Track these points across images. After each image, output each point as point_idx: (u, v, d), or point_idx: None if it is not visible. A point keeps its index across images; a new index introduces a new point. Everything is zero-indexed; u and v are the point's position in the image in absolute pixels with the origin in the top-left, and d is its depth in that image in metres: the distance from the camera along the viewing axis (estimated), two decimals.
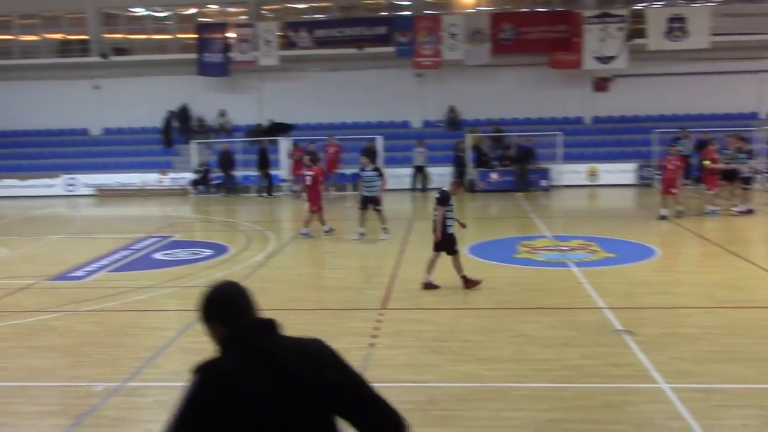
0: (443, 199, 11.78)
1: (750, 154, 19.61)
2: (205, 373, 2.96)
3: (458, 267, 11.84)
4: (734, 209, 18.99)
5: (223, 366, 3.00)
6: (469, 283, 11.74)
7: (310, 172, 17.62)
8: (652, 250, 14.83)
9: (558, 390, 7.44)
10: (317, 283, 12.80)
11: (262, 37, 29.53)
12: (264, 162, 26.95)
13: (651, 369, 7.88)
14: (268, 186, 26.96)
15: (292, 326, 10.94)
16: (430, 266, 11.89)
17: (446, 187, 12.26)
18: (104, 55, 31.14)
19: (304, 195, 17.75)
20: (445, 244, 11.85)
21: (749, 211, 19.02)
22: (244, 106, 30.82)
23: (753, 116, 29.23)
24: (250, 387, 2.90)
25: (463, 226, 12.55)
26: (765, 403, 6.99)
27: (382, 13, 31.47)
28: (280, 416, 2.90)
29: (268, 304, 11.65)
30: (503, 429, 6.57)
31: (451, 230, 11.85)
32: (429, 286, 11.80)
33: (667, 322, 9.79)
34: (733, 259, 13.95)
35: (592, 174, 27.66)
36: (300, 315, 10.56)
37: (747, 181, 19.34)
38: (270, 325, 3.09)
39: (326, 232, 17.47)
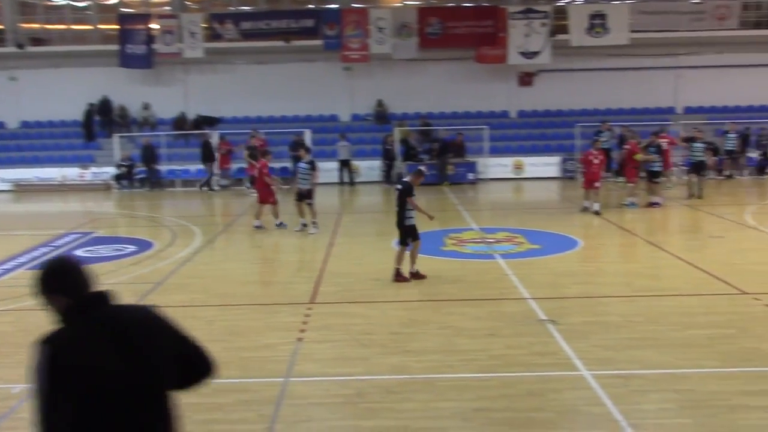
0: (408, 190, 11.85)
1: (659, 150, 20.04)
2: (51, 343, 3.15)
3: (399, 259, 11.94)
4: (653, 199, 19.44)
5: (68, 335, 3.20)
6: (400, 278, 11.81)
7: (258, 165, 17.76)
8: (575, 241, 15.20)
9: (484, 380, 7.56)
10: (245, 278, 12.65)
11: (186, 28, 28.94)
12: (208, 155, 26.47)
13: (573, 357, 8.08)
14: (208, 179, 26.52)
15: (219, 322, 10.81)
16: (402, 258, 11.96)
17: (407, 178, 12.34)
18: (20, 46, 29.99)
19: (250, 188, 17.84)
20: (405, 235, 11.91)
21: (655, 204, 19.38)
22: (168, 98, 30.15)
23: (670, 111, 30.28)
24: (95, 354, 3.15)
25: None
26: (681, 387, 7.26)
27: (310, 6, 31.32)
28: (122, 381, 3.18)
29: (193, 300, 11.50)
30: (431, 420, 6.63)
31: (412, 222, 11.91)
32: (416, 275, 11.92)
33: (589, 311, 10.06)
34: (651, 249, 14.43)
35: (518, 167, 28.18)
36: (227, 311, 10.43)
37: (656, 174, 19.74)
38: (106, 296, 3.33)
39: (277, 225, 17.40)
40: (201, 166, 27.10)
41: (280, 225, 17.30)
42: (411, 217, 11.88)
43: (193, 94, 30.32)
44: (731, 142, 26.16)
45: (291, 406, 7.00)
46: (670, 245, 14.69)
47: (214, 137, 27.48)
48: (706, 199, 20.59)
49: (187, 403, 7.08)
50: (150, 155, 27.12)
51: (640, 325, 9.29)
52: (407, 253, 11.98)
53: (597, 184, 18.77)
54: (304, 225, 16.85)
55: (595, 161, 18.76)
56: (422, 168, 12.59)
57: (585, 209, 18.80)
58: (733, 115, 29.20)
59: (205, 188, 26.49)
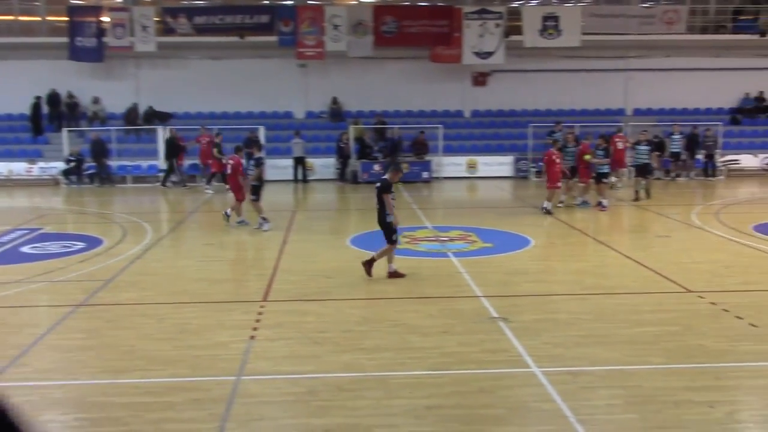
0: (387, 187, 11.89)
1: (606, 152, 20.25)
2: None
3: (389, 257, 12.02)
4: (603, 201, 19.67)
5: None
6: (369, 266, 11.90)
7: (231, 162, 17.60)
8: (527, 240, 15.40)
9: (436, 377, 7.61)
10: (197, 275, 12.51)
11: (138, 22, 28.44)
12: (173, 150, 26.06)
13: (524, 354, 8.19)
14: (166, 175, 26.14)
15: (170, 320, 10.65)
16: (384, 256, 12.01)
17: (386, 175, 12.34)
18: None
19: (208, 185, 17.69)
20: (389, 232, 11.96)
21: (601, 205, 19.36)
22: (119, 93, 29.61)
23: (620, 112, 30.85)
24: None
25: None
26: (628, 383, 7.41)
27: (265, 2, 31.06)
28: None
29: (144, 297, 11.33)
30: (383, 417, 6.66)
31: (391, 218, 11.94)
32: (394, 275, 11.93)
33: (540, 308, 10.21)
34: (601, 248, 14.71)
35: (472, 166, 28.41)
36: (178, 308, 10.31)
37: (604, 176, 19.93)
38: None
39: (238, 222, 17.31)
40: (153, 162, 26.70)
41: (242, 222, 17.25)
42: (391, 214, 11.94)
43: (144, 89, 29.84)
44: (676, 144, 26.73)
45: (242, 404, 6.96)
46: (619, 244, 14.98)
47: (161, 133, 27.08)
48: (653, 199, 21.01)
49: (138, 402, 7.03)
50: (100, 150, 26.61)
51: (589, 322, 9.46)
52: (381, 250, 12.05)
53: (559, 184, 18.95)
54: (264, 219, 16.91)
55: (558, 161, 18.89)
56: (403, 164, 12.73)
57: (578, 204, 19.09)
58: (680, 117, 29.91)
59: (169, 184, 26.06)
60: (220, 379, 7.58)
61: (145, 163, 27.31)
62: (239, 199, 17.29)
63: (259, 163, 17.00)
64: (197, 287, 11.62)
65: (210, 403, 6.96)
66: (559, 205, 19.41)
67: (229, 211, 17.30)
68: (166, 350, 8.50)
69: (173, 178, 26.19)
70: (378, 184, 12.13)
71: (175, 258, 14.26)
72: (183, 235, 16.98)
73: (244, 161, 17.68)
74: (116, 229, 17.43)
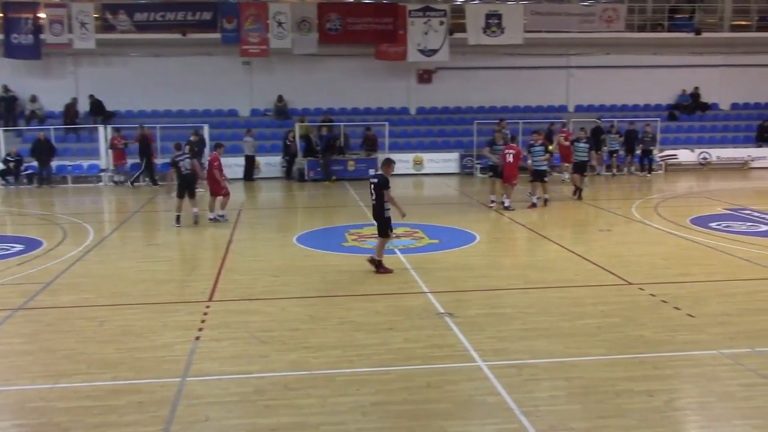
0: (385, 183, 11.93)
1: (546, 148, 20.47)
2: None
3: (380, 251, 12.08)
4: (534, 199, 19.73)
5: None
6: (382, 270, 12.00)
7: (209, 158, 18.00)
8: (473, 236, 15.55)
9: (382, 373, 7.64)
10: (140, 276, 12.30)
11: (77, 18, 27.80)
12: (144, 148, 25.55)
13: (470, 348, 8.28)
14: (139, 173, 25.70)
15: (111, 322, 10.45)
16: (383, 250, 12.15)
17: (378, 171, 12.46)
18: None
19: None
20: (385, 226, 12.02)
21: (532, 204, 19.46)
22: (58, 91, 28.89)
23: (563, 109, 31.38)
24: None
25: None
26: (570, 375, 7.55)
27: None
28: None
29: (85, 300, 11.07)
30: (330, 415, 6.66)
31: (388, 213, 12.00)
32: (381, 269, 12.00)
33: (486, 303, 10.33)
34: (544, 242, 14.94)
35: (418, 163, 28.55)
36: (121, 310, 10.13)
37: (544, 174, 20.09)
38: None
39: (210, 219, 17.44)
40: (94, 162, 26.16)
41: (215, 219, 17.47)
42: (389, 209, 11.97)
43: (84, 87, 29.14)
44: (614, 141, 27.27)
45: (188, 406, 6.87)
46: (562, 239, 15.24)
47: (108, 131, 26.53)
48: (595, 194, 21.43)
49: (78, 406, 6.89)
50: (43, 150, 25.81)
51: (532, 316, 9.61)
52: (378, 246, 12.15)
53: (515, 181, 18.97)
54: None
55: (510, 158, 18.84)
56: (390, 157, 12.92)
57: (502, 205, 18.93)
58: (620, 113, 30.57)
59: (137, 183, 25.60)
60: (164, 381, 7.48)
61: (86, 163, 26.73)
62: (215, 194, 17.53)
63: (174, 162, 17.07)
64: (140, 288, 11.42)
65: (154, 406, 6.86)
66: (491, 205, 19.52)
67: (212, 215, 17.48)
68: (108, 353, 8.34)
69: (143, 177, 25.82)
70: (375, 180, 12.15)
71: (117, 259, 13.97)
72: (126, 236, 16.67)
73: (221, 158, 18.01)
74: (56, 230, 17.01)
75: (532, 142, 19.99)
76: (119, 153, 26.17)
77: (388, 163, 12.42)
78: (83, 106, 28.94)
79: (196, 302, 10.50)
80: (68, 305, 10.45)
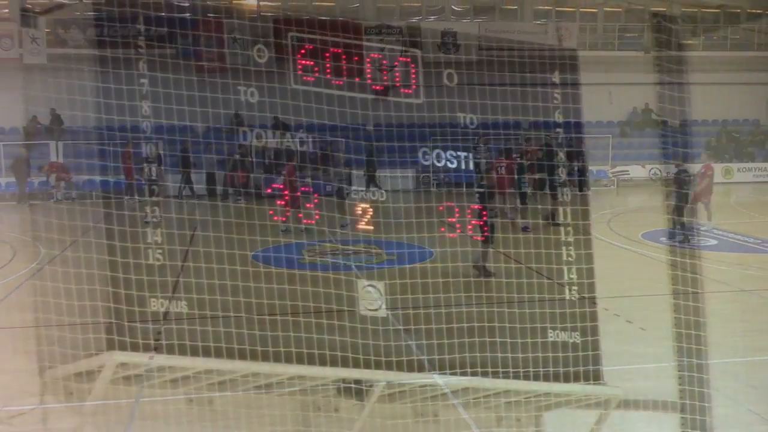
0: None
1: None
2: None
3: None
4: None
5: None
6: None
7: None
8: (430, 251, 15.57)
9: None
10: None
11: (27, 33, 27.37)
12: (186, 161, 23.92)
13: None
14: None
15: None
16: None
17: None
18: None
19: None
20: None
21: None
22: (6, 106, 28.26)
23: (517, 126, 31.77)
24: None
25: None
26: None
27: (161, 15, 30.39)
28: None
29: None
30: None
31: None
32: None
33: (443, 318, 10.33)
34: (501, 257, 15.05)
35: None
36: None
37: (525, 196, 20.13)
38: None
39: None
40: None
41: None
42: None
43: (34, 102, 28.56)
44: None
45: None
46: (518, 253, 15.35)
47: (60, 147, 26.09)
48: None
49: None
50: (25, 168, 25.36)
51: (489, 330, 9.64)
52: None
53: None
54: None
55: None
56: None
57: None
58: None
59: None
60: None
61: (36, 180, 26.22)
62: None
63: None
64: None
65: None
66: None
67: None
68: None
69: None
70: None
71: None
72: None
73: None
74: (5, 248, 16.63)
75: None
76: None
77: None
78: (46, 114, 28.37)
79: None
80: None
